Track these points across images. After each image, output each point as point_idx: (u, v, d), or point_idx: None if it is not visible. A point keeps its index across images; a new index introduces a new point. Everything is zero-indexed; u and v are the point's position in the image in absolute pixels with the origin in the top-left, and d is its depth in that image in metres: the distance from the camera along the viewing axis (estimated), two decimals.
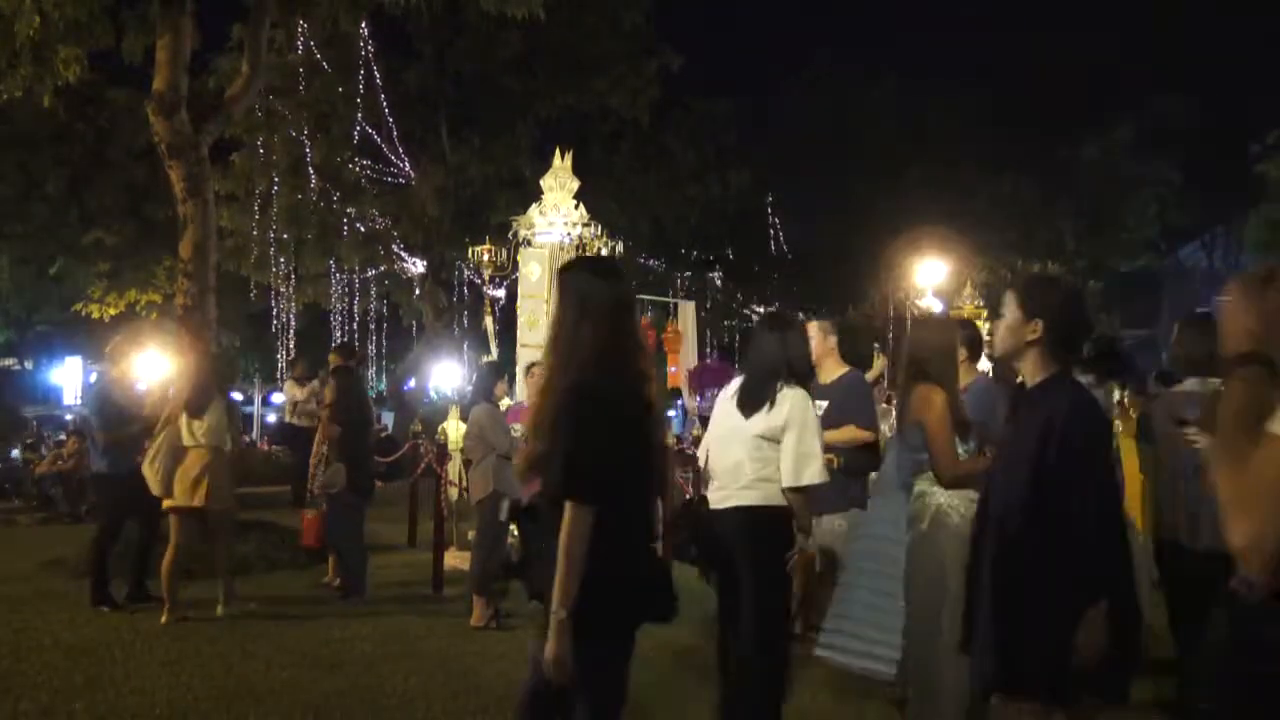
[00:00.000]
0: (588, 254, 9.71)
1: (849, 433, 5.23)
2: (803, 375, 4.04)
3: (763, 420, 3.90)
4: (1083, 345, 2.79)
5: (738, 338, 24.48)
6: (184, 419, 6.66)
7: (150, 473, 6.60)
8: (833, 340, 4.79)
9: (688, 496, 7.90)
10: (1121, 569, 2.64)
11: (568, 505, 2.42)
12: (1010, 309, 2.72)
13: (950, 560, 3.59)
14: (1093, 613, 2.54)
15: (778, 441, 3.88)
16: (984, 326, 4.93)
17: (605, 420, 2.47)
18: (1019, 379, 2.88)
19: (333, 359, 8.30)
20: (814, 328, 4.75)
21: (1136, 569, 2.76)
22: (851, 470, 5.20)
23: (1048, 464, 2.62)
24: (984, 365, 4.68)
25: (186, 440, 6.61)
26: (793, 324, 4.22)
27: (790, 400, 3.90)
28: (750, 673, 3.86)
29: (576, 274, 2.72)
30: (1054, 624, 2.56)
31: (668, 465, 2.86)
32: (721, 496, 3.98)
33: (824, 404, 4.78)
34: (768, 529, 3.88)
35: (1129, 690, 2.75)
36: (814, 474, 3.86)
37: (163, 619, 6.34)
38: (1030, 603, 2.64)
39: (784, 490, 3.87)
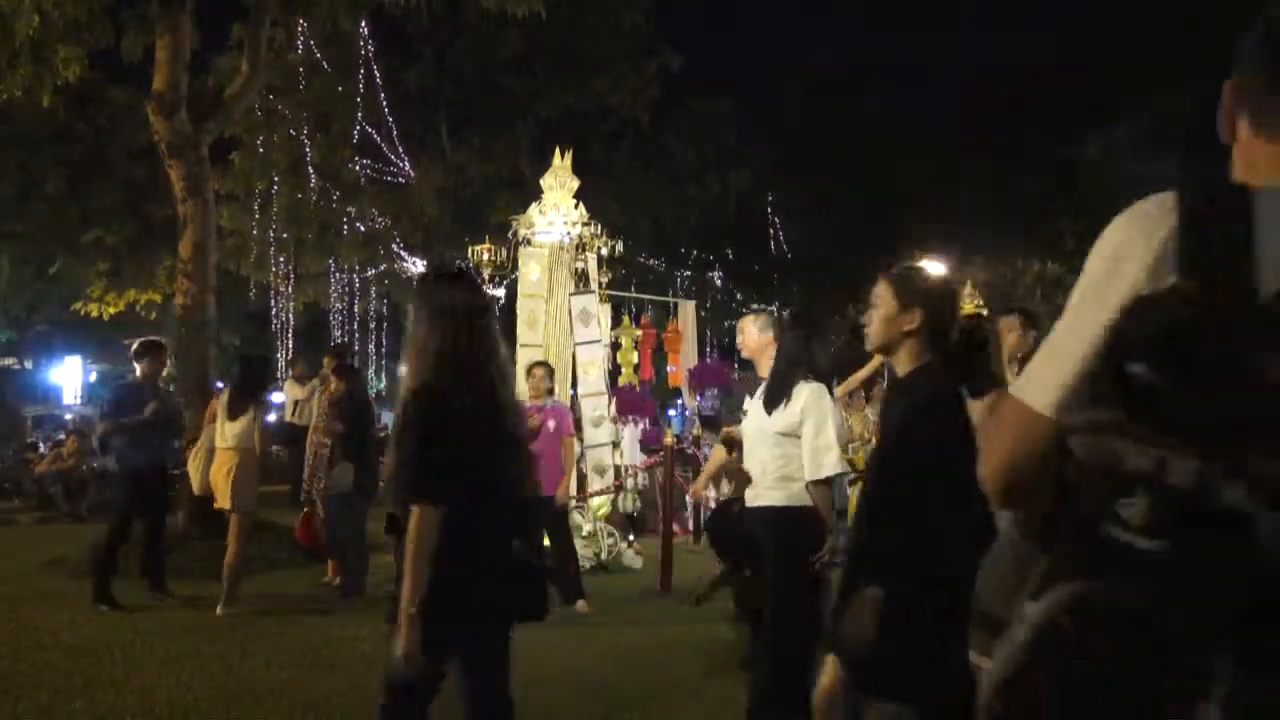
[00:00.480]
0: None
1: None
2: (823, 374, 4.11)
3: (781, 417, 4.01)
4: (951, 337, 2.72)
5: (738, 337, 24.49)
6: (220, 420, 6.76)
7: (192, 470, 6.91)
8: (770, 334, 4.74)
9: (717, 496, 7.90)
10: (960, 566, 2.42)
11: (414, 507, 2.47)
12: (885, 300, 2.71)
13: None
14: (863, 599, 2.48)
15: (797, 437, 3.97)
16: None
17: (448, 423, 2.52)
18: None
19: (328, 361, 8.33)
20: (749, 322, 4.76)
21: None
22: None
23: (897, 453, 2.63)
24: None
25: (219, 441, 6.77)
26: (815, 324, 4.34)
27: (804, 394, 4.00)
28: (768, 670, 3.92)
29: (427, 284, 2.80)
30: (904, 623, 2.45)
31: (528, 464, 2.89)
32: (753, 495, 4.09)
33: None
34: (792, 528, 3.96)
35: (928, 692, 2.51)
36: (833, 464, 3.96)
37: (219, 611, 6.58)
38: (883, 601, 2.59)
39: (806, 485, 3.94)
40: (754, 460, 4.14)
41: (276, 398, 14.72)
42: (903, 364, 2.71)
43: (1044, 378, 1.15)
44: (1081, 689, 0.91)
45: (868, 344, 2.86)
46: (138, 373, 7.34)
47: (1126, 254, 1.10)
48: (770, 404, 4.09)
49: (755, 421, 4.18)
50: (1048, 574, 1.02)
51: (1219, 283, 1.01)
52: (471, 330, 2.63)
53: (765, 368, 4.93)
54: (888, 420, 2.80)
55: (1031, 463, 1.14)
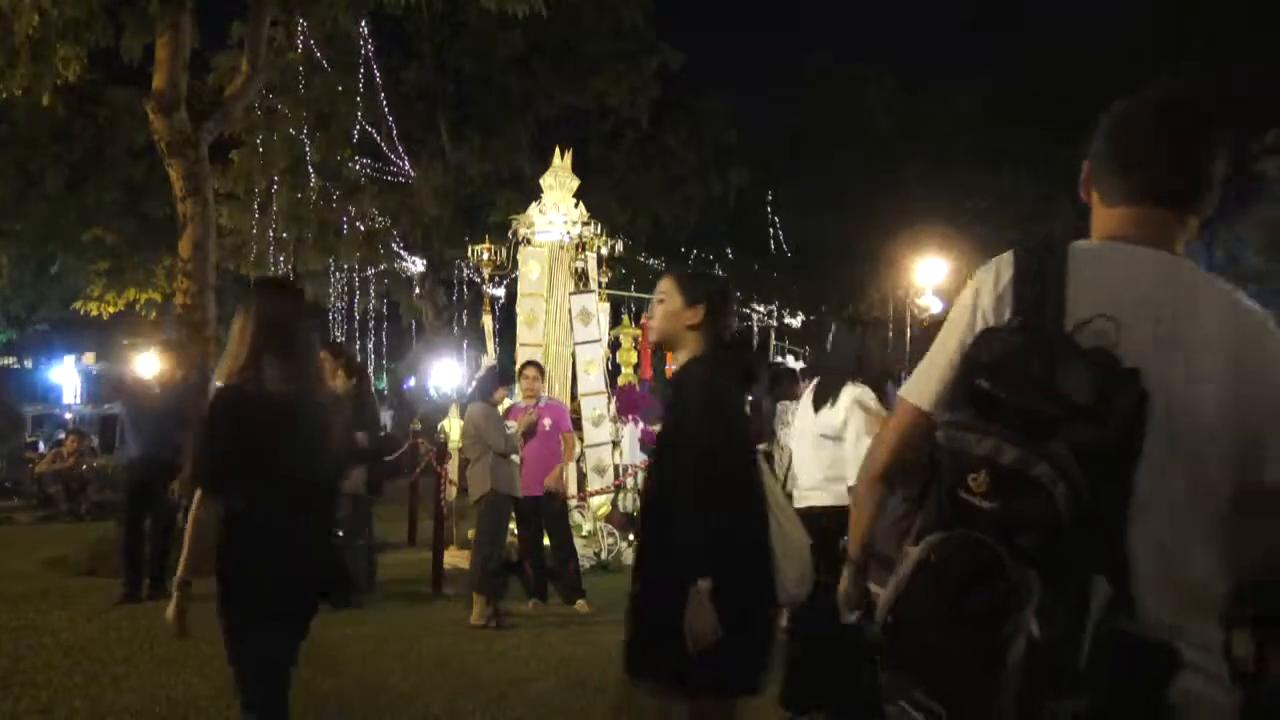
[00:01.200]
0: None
1: None
2: (873, 375, 4.08)
3: (825, 417, 3.99)
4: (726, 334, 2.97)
5: (737, 336, 24.49)
6: None
7: None
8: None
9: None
10: (739, 550, 2.61)
11: (197, 494, 2.74)
12: (671, 296, 2.89)
13: None
14: (694, 593, 2.51)
15: (839, 439, 3.93)
16: None
17: (236, 423, 2.72)
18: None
19: (325, 357, 8.28)
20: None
21: (785, 555, 2.72)
22: None
23: (667, 443, 2.82)
24: None
25: None
26: (871, 323, 4.31)
27: (848, 397, 3.94)
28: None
29: (249, 292, 3.07)
30: (664, 608, 2.56)
31: (337, 461, 3.16)
32: (799, 496, 4.08)
33: None
34: (835, 533, 3.93)
35: (760, 682, 2.68)
36: None
37: None
38: (646, 583, 2.75)
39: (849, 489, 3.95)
40: (799, 460, 4.13)
41: None
42: (682, 358, 2.92)
43: (923, 383, 1.58)
44: (945, 603, 1.31)
45: (650, 336, 3.09)
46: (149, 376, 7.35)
47: (980, 295, 1.53)
48: (816, 403, 4.09)
49: (801, 421, 4.18)
50: (922, 527, 1.42)
51: (1037, 319, 1.42)
52: (283, 337, 2.83)
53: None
54: (666, 410, 3.02)
55: (913, 445, 1.59)
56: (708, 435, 2.68)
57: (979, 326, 1.49)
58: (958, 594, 1.30)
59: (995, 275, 1.52)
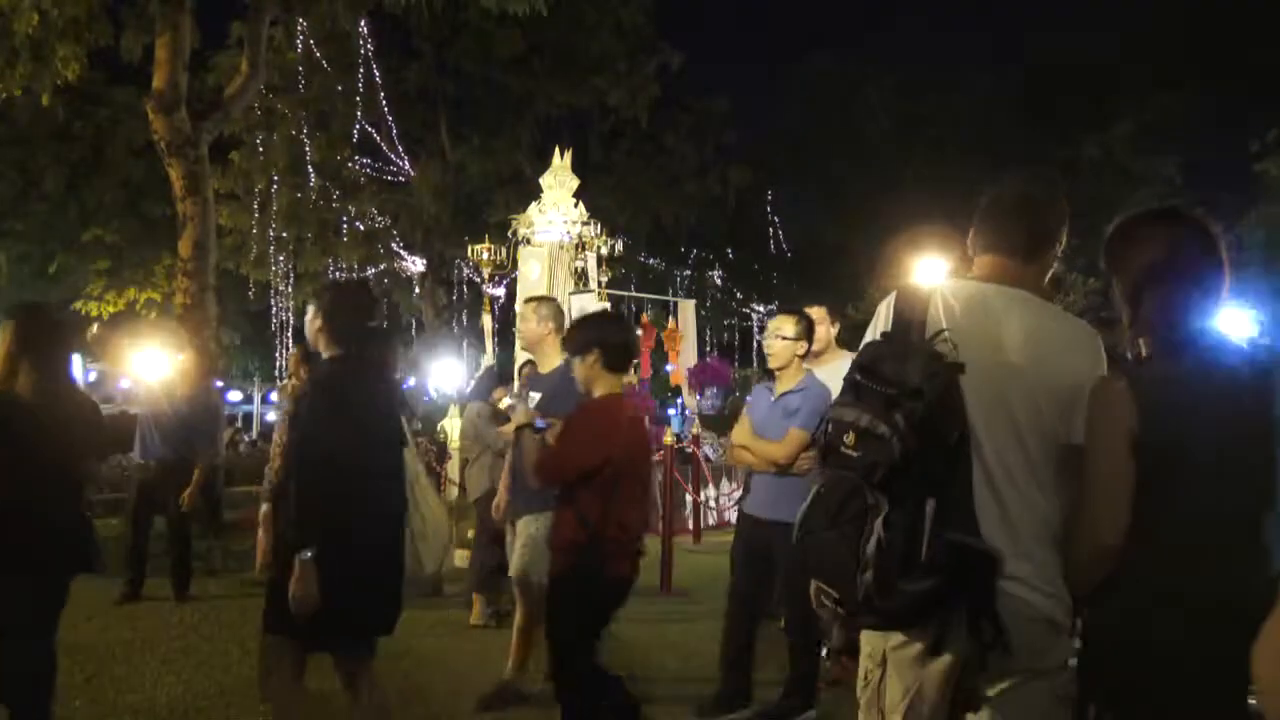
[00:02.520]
0: (588, 253, 9.72)
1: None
2: None
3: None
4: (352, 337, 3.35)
5: (737, 336, 24.47)
6: None
7: None
8: (550, 325, 4.61)
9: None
10: (350, 524, 3.06)
11: None
12: (311, 312, 3.43)
13: None
14: (298, 563, 2.98)
15: None
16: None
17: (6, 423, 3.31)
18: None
19: (294, 355, 8.25)
20: (530, 308, 4.74)
21: (422, 534, 3.33)
22: None
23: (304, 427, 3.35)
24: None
25: None
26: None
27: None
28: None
29: (17, 313, 3.60)
30: (287, 575, 3.03)
31: (68, 455, 3.54)
32: None
33: (537, 395, 4.41)
34: None
35: (363, 643, 3.24)
36: None
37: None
38: (276, 552, 3.32)
39: None
40: None
41: (276, 396, 14.71)
42: (546, 363, 3.73)
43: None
44: (829, 517, 1.95)
45: (520, 342, 3.56)
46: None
47: (878, 319, 2.18)
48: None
49: None
50: (821, 472, 2.09)
51: (904, 334, 2.05)
52: (42, 355, 3.43)
53: (546, 363, 4.70)
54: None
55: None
56: (314, 423, 3.19)
57: (869, 340, 2.13)
58: (837, 510, 1.93)
59: (887, 306, 2.17)
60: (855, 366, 1.97)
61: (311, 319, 3.40)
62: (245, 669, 5.26)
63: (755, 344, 21.22)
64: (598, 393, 3.68)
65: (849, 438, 1.87)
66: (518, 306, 9.58)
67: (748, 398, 4.68)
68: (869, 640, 2.13)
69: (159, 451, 7.15)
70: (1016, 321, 2.06)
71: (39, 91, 9.52)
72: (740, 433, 4.52)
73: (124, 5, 10.08)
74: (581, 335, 3.77)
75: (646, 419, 10.57)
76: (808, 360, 4.55)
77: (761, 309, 24.72)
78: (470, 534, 7.03)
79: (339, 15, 12.29)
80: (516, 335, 9.39)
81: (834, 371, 5.39)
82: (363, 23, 16.23)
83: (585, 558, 3.49)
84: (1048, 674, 2.00)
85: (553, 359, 4.70)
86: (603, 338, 3.67)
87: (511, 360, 9.31)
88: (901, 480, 1.82)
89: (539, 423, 3.92)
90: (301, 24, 15.49)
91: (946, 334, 1.96)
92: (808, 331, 4.46)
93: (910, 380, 1.86)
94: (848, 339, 5.47)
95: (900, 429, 1.81)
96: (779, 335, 4.40)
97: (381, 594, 3.22)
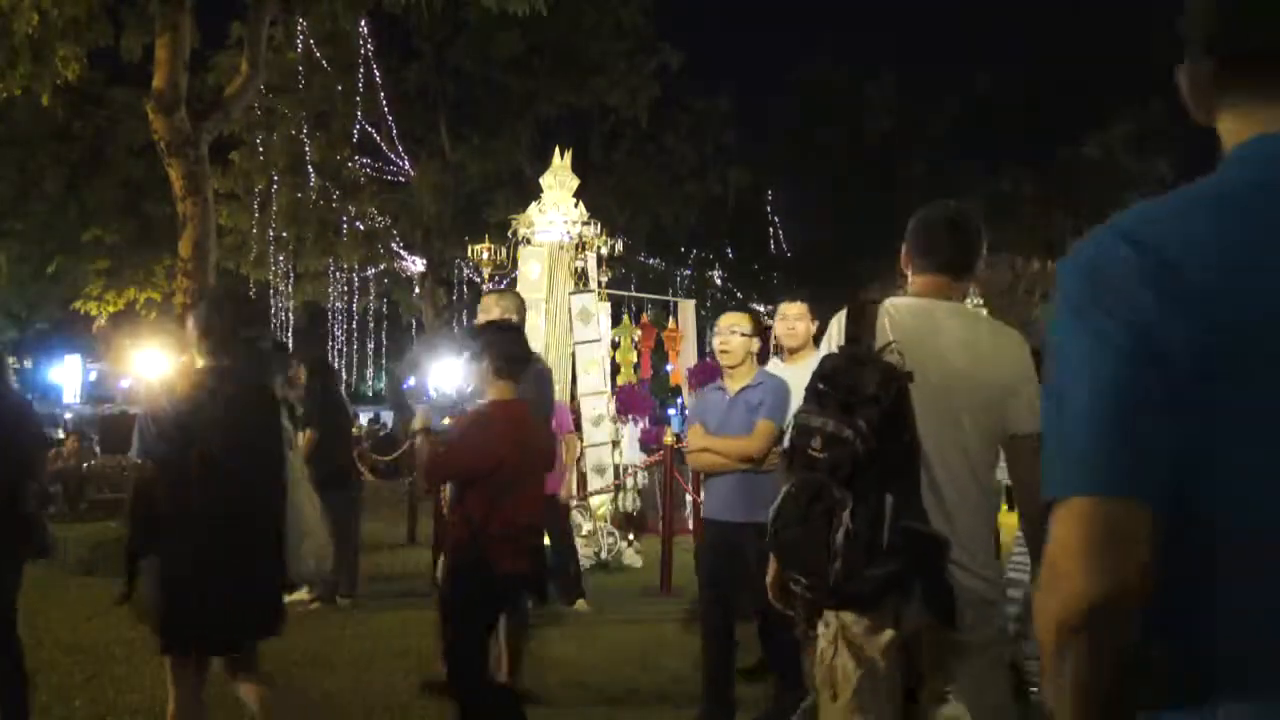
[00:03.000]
0: (589, 252, 9.73)
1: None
2: None
3: None
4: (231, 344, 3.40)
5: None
6: None
7: None
8: (513, 319, 4.67)
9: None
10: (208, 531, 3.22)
11: None
12: (192, 320, 3.48)
13: None
14: (143, 566, 3.32)
15: None
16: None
17: None
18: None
19: (295, 362, 8.20)
20: (491, 300, 4.74)
21: (297, 534, 3.46)
22: None
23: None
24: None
25: None
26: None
27: None
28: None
29: None
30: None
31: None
32: None
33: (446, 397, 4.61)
34: None
35: (241, 644, 3.50)
36: None
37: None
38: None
39: None
40: None
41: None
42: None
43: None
44: (799, 512, 2.09)
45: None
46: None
47: (831, 334, 2.41)
48: None
49: None
50: (788, 474, 2.18)
51: (853, 346, 2.25)
52: None
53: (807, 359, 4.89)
54: None
55: None
56: (156, 436, 3.38)
57: (826, 352, 2.36)
58: (806, 506, 2.08)
59: (839, 321, 2.38)
60: (817, 376, 2.17)
61: (190, 329, 3.43)
62: None
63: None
64: (490, 398, 3.79)
65: (816, 442, 2.06)
66: None
67: (692, 404, 4.67)
68: (826, 621, 2.30)
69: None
70: (955, 333, 2.32)
71: (39, 91, 9.51)
72: (698, 437, 4.37)
73: (124, 5, 10.07)
74: (476, 343, 3.92)
75: (646, 420, 10.63)
76: (783, 357, 4.56)
77: (761, 309, 24.72)
78: None
79: (339, 15, 12.27)
80: None
81: (809, 369, 5.36)
82: (363, 23, 16.24)
83: (471, 555, 3.63)
84: (985, 646, 2.25)
85: None
86: (493, 347, 3.79)
87: None
88: (864, 477, 2.03)
89: (437, 424, 4.07)
90: (301, 24, 15.50)
91: (894, 345, 2.16)
92: (760, 330, 4.48)
93: (867, 388, 2.07)
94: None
95: (862, 432, 2.01)
96: (737, 331, 4.35)
97: (250, 596, 3.38)
